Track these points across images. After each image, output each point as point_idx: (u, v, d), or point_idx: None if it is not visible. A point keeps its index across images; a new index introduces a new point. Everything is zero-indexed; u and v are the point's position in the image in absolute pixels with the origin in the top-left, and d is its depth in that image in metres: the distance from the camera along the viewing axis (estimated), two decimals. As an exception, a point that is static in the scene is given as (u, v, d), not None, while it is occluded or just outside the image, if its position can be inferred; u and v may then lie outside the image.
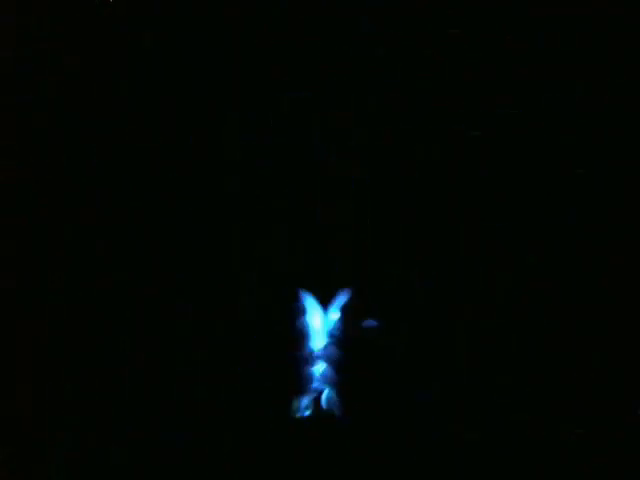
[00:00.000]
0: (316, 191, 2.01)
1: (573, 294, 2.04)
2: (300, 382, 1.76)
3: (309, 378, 1.74)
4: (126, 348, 2.05)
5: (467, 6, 2.08)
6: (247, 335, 1.80)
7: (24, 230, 2.09)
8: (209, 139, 2.11)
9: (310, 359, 1.74)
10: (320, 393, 1.76)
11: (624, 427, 1.99)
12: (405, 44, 2.10)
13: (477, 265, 2.03)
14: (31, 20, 2.13)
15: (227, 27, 2.12)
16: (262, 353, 1.80)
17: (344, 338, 1.73)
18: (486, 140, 2.09)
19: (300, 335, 1.74)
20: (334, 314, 1.74)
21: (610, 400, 2.00)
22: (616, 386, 2.01)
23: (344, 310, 1.74)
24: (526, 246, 2.06)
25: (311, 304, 1.75)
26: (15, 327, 2.07)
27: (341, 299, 1.74)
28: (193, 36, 2.12)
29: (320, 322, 1.73)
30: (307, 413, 1.75)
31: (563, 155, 2.08)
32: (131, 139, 2.11)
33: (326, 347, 1.74)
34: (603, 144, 2.07)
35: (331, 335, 1.74)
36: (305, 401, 1.75)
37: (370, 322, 1.73)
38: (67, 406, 2.05)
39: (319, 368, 1.74)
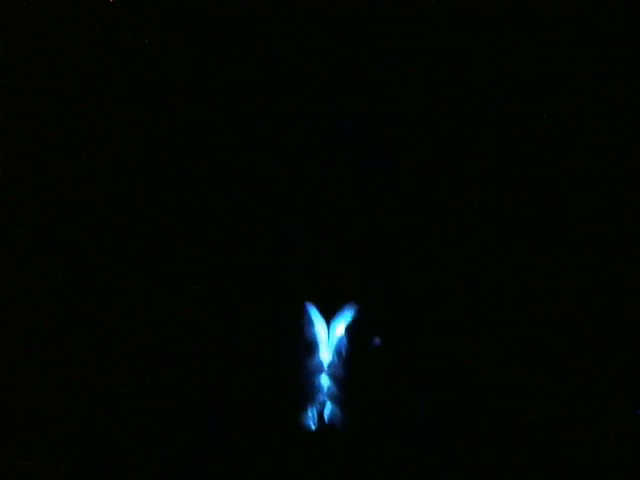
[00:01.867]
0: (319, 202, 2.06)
1: (573, 294, 2.04)
2: (307, 394, 1.77)
3: (315, 390, 1.76)
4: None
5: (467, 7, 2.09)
6: (252, 345, 1.84)
7: (25, 232, 2.10)
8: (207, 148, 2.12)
9: (316, 372, 1.76)
10: (324, 406, 1.78)
11: (624, 427, 1.99)
12: (406, 45, 2.10)
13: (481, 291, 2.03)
14: (31, 20, 2.13)
15: (227, 27, 2.12)
16: (268, 364, 1.82)
17: (350, 356, 1.75)
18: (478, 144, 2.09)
19: (307, 348, 1.76)
20: (339, 328, 1.76)
21: (610, 400, 2.00)
22: (616, 386, 2.01)
23: (349, 328, 1.75)
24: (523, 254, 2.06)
25: (316, 316, 1.77)
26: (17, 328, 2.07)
27: (346, 314, 1.77)
28: (194, 36, 2.12)
29: (325, 335, 1.76)
30: (313, 425, 1.77)
31: (559, 157, 2.08)
32: (131, 140, 2.12)
33: (331, 363, 1.76)
34: (603, 145, 2.07)
35: (338, 352, 1.75)
36: (311, 413, 1.77)
37: (376, 341, 1.75)
38: (67, 408, 2.05)
39: (324, 382, 1.76)
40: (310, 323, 1.73)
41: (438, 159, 2.10)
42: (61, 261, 2.09)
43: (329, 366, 1.73)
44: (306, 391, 1.73)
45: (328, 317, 1.75)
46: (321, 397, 1.74)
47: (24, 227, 2.09)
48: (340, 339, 1.73)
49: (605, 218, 2.06)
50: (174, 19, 2.12)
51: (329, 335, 1.75)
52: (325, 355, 1.74)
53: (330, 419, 1.74)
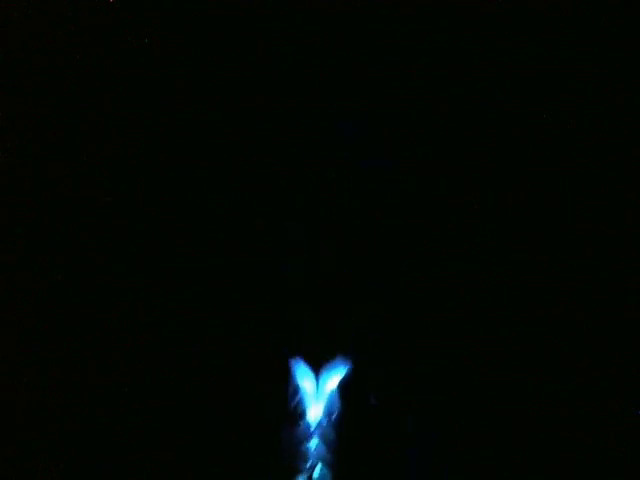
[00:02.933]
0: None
1: (573, 294, 2.05)
2: (295, 459, 1.68)
3: (304, 455, 1.66)
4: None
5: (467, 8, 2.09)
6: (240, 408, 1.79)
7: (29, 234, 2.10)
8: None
9: (304, 435, 1.67)
10: (313, 470, 1.68)
11: (624, 427, 1.99)
12: (405, 46, 2.11)
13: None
14: (31, 20, 2.13)
15: (227, 27, 2.12)
16: (256, 427, 1.76)
17: (341, 418, 1.65)
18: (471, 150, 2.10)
19: (295, 410, 1.67)
20: (330, 382, 1.66)
21: (610, 400, 2.00)
22: (616, 386, 2.01)
23: (342, 385, 1.66)
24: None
25: (303, 372, 1.66)
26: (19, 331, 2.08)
27: (338, 368, 1.66)
28: (194, 36, 2.12)
29: (314, 392, 1.65)
30: None
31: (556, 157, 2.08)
32: (131, 140, 2.12)
33: (321, 424, 1.64)
34: (601, 146, 2.07)
35: (328, 413, 1.65)
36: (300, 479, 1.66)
37: (372, 399, 1.63)
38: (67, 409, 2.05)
39: (313, 444, 1.65)
40: (296, 389, 1.62)
41: (438, 159, 2.10)
42: (61, 261, 2.09)
43: (318, 427, 1.62)
44: (294, 458, 1.63)
45: (319, 361, 1.63)
46: (310, 461, 1.64)
47: (24, 227, 2.09)
48: (331, 397, 1.63)
49: (605, 218, 2.06)
50: (174, 19, 2.12)
51: (318, 389, 1.63)
52: (313, 413, 1.62)
53: None
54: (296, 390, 1.66)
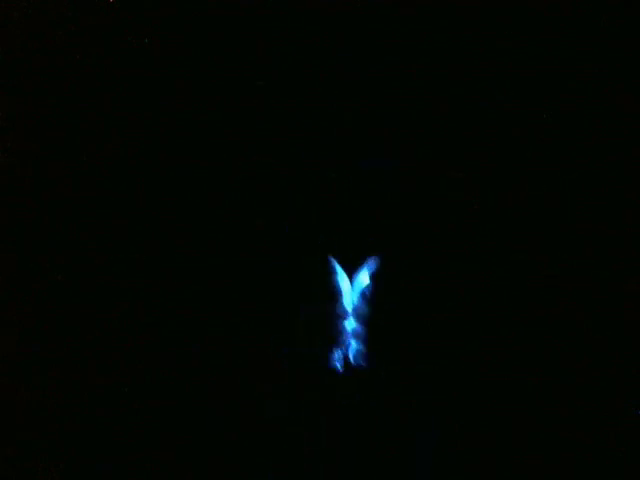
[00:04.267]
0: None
1: (573, 294, 2.04)
2: (332, 336, 1.79)
3: (340, 333, 1.77)
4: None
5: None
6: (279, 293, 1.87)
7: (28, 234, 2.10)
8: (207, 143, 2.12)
9: (341, 316, 1.78)
10: (349, 347, 1.79)
11: (624, 427, 1.99)
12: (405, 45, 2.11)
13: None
14: (31, 20, 2.13)
15: (227, 27, 2.12)
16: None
17: (374, 297, 1.79)
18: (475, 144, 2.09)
19: (331, 294, 1.79)
20: (363, 277, 1.79)
21: (610, 400, 2.00)
22: (616, 386, 2.01)
23: (374, 274, 1.80)
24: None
25: (338, 269, 1.80)
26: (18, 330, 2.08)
27: (370, 265, 1.81)
28: (194, 36, 2.12)
29: (349, 286, 1.78)
30: (339, 366, 1.78)
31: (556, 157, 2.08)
32: (131, 140, 2.12)
33: (356, 306, 1.76)
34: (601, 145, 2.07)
35: (362, 295, 1.77)
36: (337, 354, 1.78)
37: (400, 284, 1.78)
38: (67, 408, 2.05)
39: (349, 325, 1.77)
40: (333, 272, 1.77)
41: (438, 159, 2.10)
42: (61, 261, 2.09)
43: (354, 309, 1.76)
44: (332, 334, 1.76)
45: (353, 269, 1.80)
46: (346, 339, 1.76)
47: (24, 227, 2.09)
48: (365, 286, 1.78)
49: (605, 218, 2.06)
50: (174, 19, 2.12)
51: (353, 285, 1.78)
52: (349, 303, 1.77)
53: (355, 358, 1.76)
54: (332, 278, 1.78)
